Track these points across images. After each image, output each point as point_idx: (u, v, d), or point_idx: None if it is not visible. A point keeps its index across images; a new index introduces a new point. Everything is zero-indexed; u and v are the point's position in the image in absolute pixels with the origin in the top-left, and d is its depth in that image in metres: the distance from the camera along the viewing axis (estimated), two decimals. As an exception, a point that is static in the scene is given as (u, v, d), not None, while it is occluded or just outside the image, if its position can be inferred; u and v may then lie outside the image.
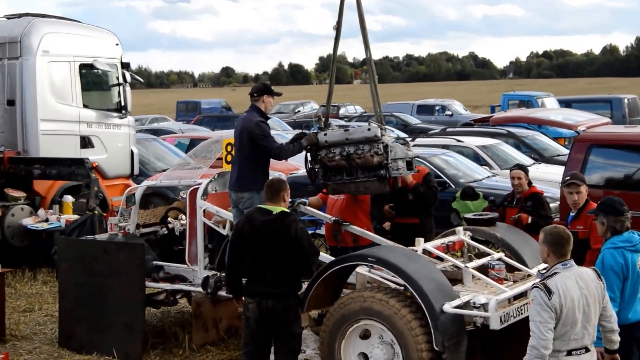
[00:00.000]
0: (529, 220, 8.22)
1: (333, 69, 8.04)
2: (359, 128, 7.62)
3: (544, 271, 5.10)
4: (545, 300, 4.84)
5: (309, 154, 7.72)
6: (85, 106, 13.08)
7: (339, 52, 7.78)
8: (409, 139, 8.81)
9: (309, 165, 7.75)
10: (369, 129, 7.41)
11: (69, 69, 12.86)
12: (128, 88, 13.72)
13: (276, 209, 6.16)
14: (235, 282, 6.36)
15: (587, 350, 4.97)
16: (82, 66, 13.06)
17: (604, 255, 5.77)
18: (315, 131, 7.73)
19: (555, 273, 4.98)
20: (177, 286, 8.17)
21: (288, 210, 6.21)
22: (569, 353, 4.93)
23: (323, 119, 7.84)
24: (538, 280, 5.18)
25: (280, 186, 6.27)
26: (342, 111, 37.28)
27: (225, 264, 7.50)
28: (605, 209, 5.94)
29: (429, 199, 8.52)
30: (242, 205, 7.44)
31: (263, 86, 7.84)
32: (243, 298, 6.26)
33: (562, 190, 9.35)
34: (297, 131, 9.94)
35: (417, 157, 8.27)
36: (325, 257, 7.11)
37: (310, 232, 11.02)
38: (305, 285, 6.54)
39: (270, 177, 6.99)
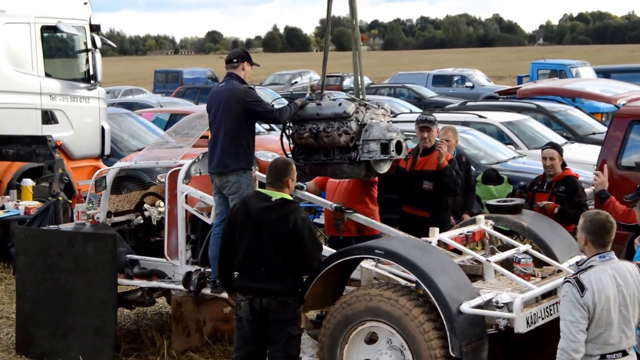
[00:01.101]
0: (556, 210, 8.23)
1: (328, 31, 8.04)
2: (331, 102, 7.67)
3: (580, 263, 5.10)
4: (577, 297, 4.86)
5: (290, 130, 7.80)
6: (47, 75, 13.05)
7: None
8: (429, 117, 8.73)
9: (291, 143, 7.82)
10: (339, 104, 7.48)
11: (29, 31, 12.81)
12: (98, 55, 13.66)
13: (276, 194, 6.15)
14: (227, 275, 6.40)
15: (624, 354, 4.99)
16: (45, 29, 13.01)
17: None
18: (309, 99, 7.76)
19: (591, 266, 4.98)
20: (154, 283, 8.16)
21: (290, 198, 6.20)
22: (603, 357, 4.95)
23: (317, 91, 7.86)
24: (571, 273, 5.18)
25: (286, 170, 6.25)
26: (346, 82, 37.20)
27: (209, 258, 7.54)
28: (645, 193, 5.94)
29: (458, 186, 8.44)
30: (228, 191, 7.43)
31: (244, 52, 7.89)
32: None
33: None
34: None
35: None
36: (325, 249, 7.10)
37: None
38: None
39: (274, 158, 6.96)
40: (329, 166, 7.67)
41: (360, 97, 7.68)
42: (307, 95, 7.80)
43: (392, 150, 7.38)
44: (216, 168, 7.50)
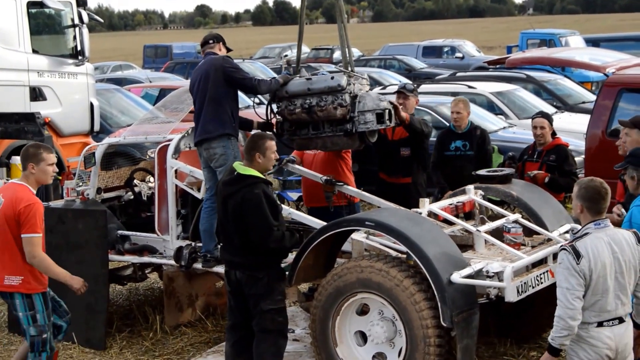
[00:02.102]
0: (546, 179, 8.23)
1: (303, 6, 8.03)
2: (322, 76, 7.68)
3: (576, 231, 5.10)
4: (573, 265, 4.87)
5: (273, 105, 7.82)
6: (35, 52, 12.95)
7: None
8: (407, 86, 8.72)
9: (275, 118, 7.83)
10: (332, 77, 7.48)
11: (15, 7, 12.68)
12: (85, 30, 13.55)
13: (241, 168, 6.22)
14: None
15: (621, 321, 5.02)
16: (31, 4, 12.88)
17: (632, 213, 5.78)
18: (287, 73, 7.78)
19: (587, 234, 4.99)
20: (145, 259, 8.15)
21: (251, 173, 6.19)
22: (600, 324, 4.97)
23: (293, 65, 7.87)
24: (567, 241, 5.19)
25: (255, 143, 6.30)
26: (336, 54, 37.10)
27: (200, 232, 7.57)
28: (635, 161, 5.95)
29: (425, 126, 8.33)
30: (215, 163, 7.40)
31: (218, 34, 7.98)
32: None
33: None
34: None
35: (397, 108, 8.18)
36: (315, 222, 7.12)
37: (298, 194, 11.10)
38: (292, 256, 6.55)
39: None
40: (319, 139, 7.67)
41: (349, 68, 7.65)
42: (283, 70, 7.83)
43: (387, 119, 7.40)
44: (200, 135, 7.48)
